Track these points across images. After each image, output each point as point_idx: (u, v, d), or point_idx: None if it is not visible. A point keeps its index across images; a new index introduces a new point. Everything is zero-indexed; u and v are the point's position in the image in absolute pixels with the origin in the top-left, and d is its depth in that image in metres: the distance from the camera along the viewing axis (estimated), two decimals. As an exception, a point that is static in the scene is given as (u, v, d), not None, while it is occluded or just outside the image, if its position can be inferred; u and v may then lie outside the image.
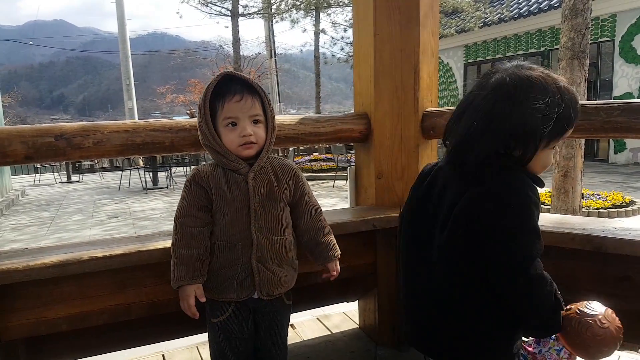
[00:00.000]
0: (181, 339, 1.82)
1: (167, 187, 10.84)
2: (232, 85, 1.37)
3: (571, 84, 4.34)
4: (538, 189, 1.11)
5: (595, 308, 1.11)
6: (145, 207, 8.67)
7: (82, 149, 1.54)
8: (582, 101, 1.46)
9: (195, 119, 1.44)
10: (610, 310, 1.12)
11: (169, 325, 1.69)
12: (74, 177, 13.78)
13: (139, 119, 19.16)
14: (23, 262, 1.41)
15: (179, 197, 1.41)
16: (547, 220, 1.70)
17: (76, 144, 1.53)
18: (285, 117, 1.94)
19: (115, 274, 1.52)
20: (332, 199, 8.77)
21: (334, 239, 1.57)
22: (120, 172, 11.93)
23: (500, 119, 1.08)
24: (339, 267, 1.57)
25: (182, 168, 13.30)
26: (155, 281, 1.42)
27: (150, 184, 10.93)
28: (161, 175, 11.42)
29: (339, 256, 1.57)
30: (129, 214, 8.05)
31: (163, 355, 2.17)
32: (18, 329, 1.46)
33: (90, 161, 15.01)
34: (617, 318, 1.11)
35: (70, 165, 13.70)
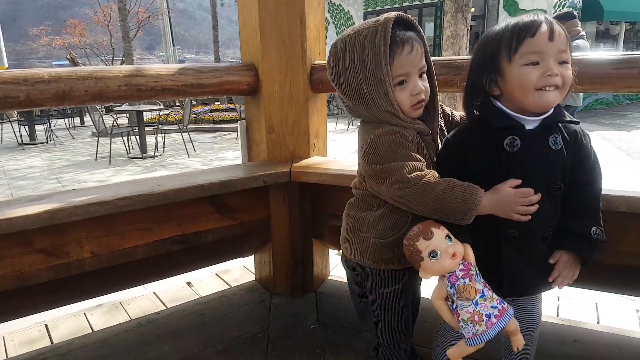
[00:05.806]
0: (66, 307, 1.73)
1: (47, 142, 9.88)
2: (397, 32, 1.11)
3: (455, 36, 4.56)
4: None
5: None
6: (22, 164, 7.86)
7: None
8: (455, 56, 1.50)
9: (57, 68, 1.24)
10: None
11: (43, 295, 1.57)
12: None
13: (9, 64, 17.02)
14: None
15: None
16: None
17: None
18: (162, 66, 1.79)
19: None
20: (236, 151, 8.56)
21: None
22: (-11, 127, 10.65)
23: None
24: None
25: (63, 120, 12.07)
26: (20, 251, 1.28)
27: (26, 139, 9.91)
28: (39, 128, 10.36)
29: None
30: (2, 173, 7.26)
31: (46, 325, 2.05)
32: None
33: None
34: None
35: None
